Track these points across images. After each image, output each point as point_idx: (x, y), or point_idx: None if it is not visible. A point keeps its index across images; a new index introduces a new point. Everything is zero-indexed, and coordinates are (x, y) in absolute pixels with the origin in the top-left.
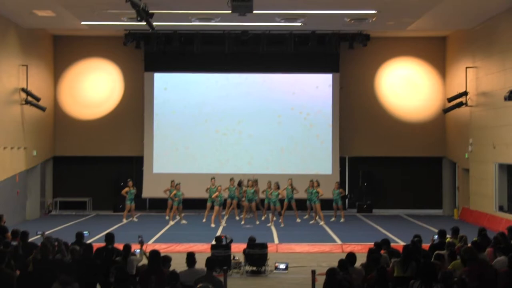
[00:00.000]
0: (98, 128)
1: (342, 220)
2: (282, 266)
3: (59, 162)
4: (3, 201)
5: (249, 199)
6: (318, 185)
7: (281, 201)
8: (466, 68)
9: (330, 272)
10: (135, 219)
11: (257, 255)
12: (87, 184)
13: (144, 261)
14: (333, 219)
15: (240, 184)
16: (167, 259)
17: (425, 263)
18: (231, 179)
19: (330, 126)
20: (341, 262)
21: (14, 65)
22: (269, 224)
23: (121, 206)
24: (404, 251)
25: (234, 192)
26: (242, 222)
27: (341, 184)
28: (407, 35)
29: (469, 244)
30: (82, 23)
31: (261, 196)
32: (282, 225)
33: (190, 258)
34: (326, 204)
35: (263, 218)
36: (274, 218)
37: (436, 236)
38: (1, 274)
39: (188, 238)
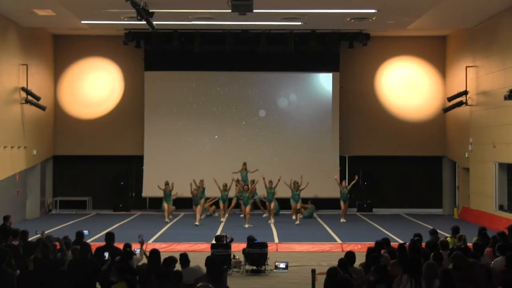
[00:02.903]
0: (98, 127)
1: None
2: (282, 265)
3: (59, 161)
4: (3, 201)
5: (245, 203)
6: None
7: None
8: (466, 67)
9: (331, 272)
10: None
11: (257, 254)
12: (87, 183)
13: (144, 260)
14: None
15: (237, 181)
16: (172, 261)
17: (412, 257)
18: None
19: (330, 126)
20: (341, 261)
21: (14, 64)
22: (297, 222)
23: (121, 206)
24: (399, 251)
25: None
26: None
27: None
28: (407, 35)
29: (469, 244)
30: (82, 22)
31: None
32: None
33: (183, 258)
34: (330, 204)
35: (264, 215)
36: (294, 217)
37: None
38: (1, 273)
39: (188, 238)
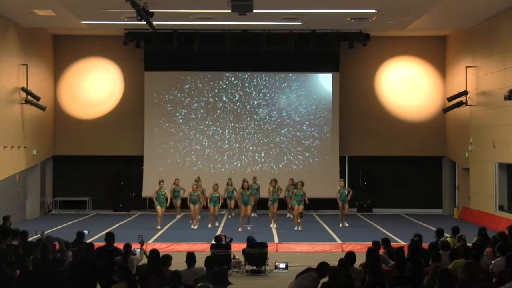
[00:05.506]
0: (98, 127)
1: (346, 224)
2: (282, 265)
3: (59, 161)
4: (3, 201)
5: (245, 202)
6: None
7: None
8: (466, 67)
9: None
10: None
11: (257, 254)
12: (87, 184)
13: (144, 260)
14: (341, 225)
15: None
16: (167, 258)
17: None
18: (229, 179)
19: (330, 126)
20: (341, 261)
21: (14, 65)
22: (296, 228)
23: (120, 206)
24: (398, 253)
25: (232, 193)
26: (239, 229)
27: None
28: (407, 35)
29: (469, 245)
30: (82, 22)
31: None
32: (298, 228)
33: (190, 257)
34: (330, 204)
35: (254, 215)
36: (299, 221)
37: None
38: (1, 273)
39: (188, 238)
